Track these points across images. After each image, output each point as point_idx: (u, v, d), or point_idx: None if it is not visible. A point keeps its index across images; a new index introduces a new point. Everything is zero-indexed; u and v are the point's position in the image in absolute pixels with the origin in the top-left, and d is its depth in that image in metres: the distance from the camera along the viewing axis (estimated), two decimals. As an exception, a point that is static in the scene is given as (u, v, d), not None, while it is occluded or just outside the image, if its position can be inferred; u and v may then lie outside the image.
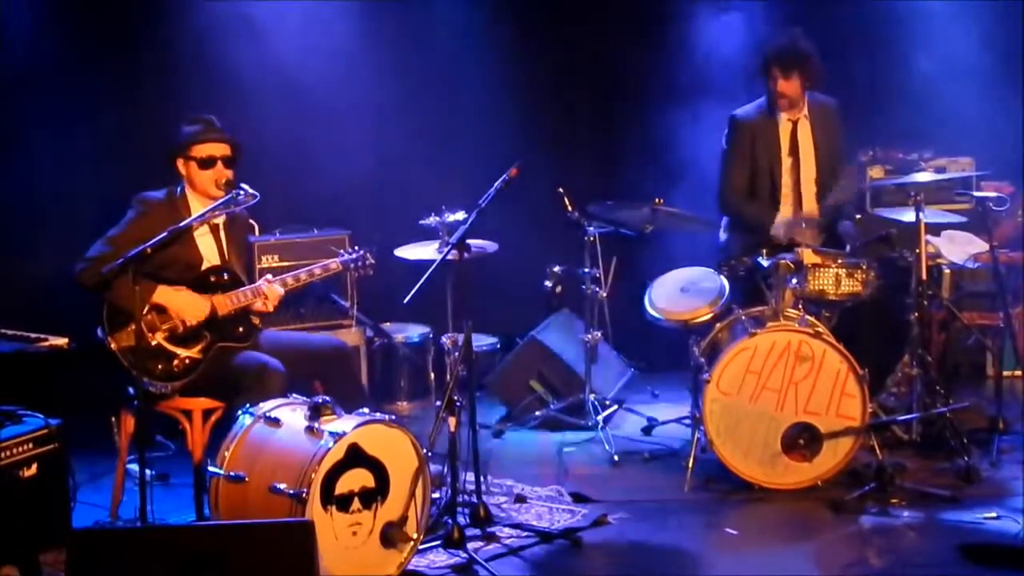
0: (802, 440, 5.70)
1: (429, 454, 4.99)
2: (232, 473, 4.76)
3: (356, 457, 4.70)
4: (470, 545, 5.08)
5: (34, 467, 4.91)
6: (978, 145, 7.38)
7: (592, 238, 6.64)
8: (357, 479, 4.70)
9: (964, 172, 7.20)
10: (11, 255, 6.83)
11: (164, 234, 5.08)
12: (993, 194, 6.48)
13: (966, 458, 5.83)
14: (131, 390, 5.21)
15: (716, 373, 5.71)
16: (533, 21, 7.91)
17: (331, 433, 4.67)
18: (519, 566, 5.06)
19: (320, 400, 4.84)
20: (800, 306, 5.91)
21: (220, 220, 5.53)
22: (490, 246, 6.39)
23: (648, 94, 7.88)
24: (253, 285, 5.46)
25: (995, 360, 7.05)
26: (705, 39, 7.84)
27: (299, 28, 7.39)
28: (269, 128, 7.14)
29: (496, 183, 5.35)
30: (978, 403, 6.59)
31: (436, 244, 6.29)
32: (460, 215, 6.17)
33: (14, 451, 4.85)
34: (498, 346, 7.36)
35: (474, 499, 5.32)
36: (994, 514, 5.37)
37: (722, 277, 6.36)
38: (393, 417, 4.95)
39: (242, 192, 5.35)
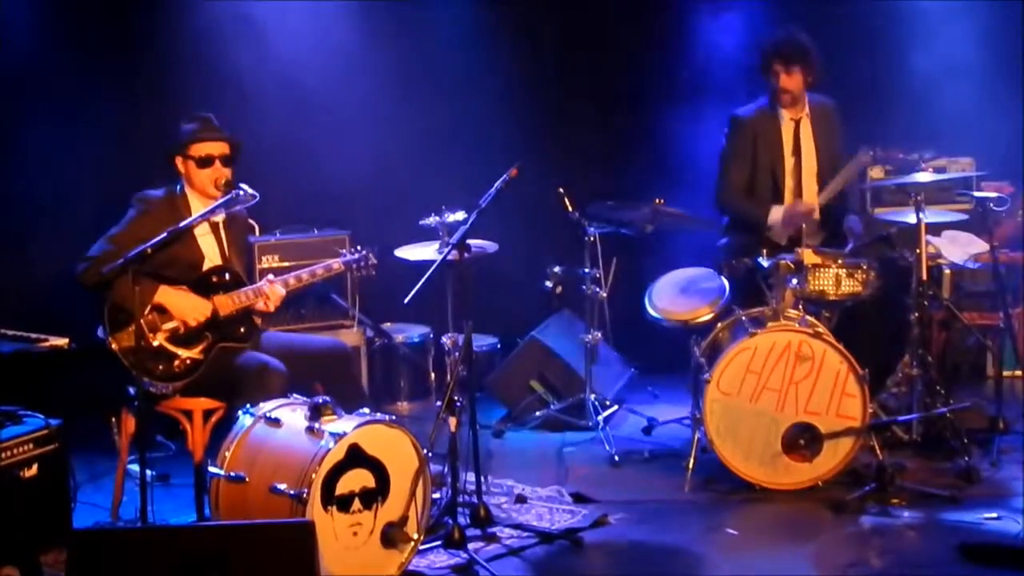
0: (802, 440, 5.70)
1: (429, 454, 4.98)
2: (232, 473, 4.76)
3: (356, 457, 4.70)
4: (470, 545, 5.08)
5: (34, 467, 4.90)
6: (978, 145, 7.38)
7: (592, 238, 6.64)
8: (357, 479, 4.70)
9: (964, 172, 7.19)
10: (11, 255, 6.83)
11: (164, 234, 5.08)
12: (993, 194, 6.47)
13: (966, 458, 5.83)
14: (131, 390, 5.21)
15: (716, 373, 5.71)
16: (533, 21, 7.91)
17: (331, 433, 4.67)
18: (519, 566, 5.06)
19: (320, 400, 4.84)
20: (800, 306, 5.91)
21: (220, 219, 5.53)
22: (490, 246, 6.39)
23: (648, 94, 7.88)
24: (255, 285, 5.46)
25: (995, 360, 7.05)
26: (705, 39, 7.84)
27: (299, 28, 7.39)
28: (269, 128, 7.13)
29: (496, 183, 5.35)
30: (978, 403, 6.58)
31: (436, 244, 6.29)
32: (460, 215, 6.16)
33: (14, 451, 4.84)
34: (498, 346, 7.36)
35: (474, 499, 5.32)
36: (994, 514, 5.37)
37: (722, 277, 6.36)
38: (393, 417, 4.95)
39: (242, 191, 5.34)
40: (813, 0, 7.41)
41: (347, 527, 4.68)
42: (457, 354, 6.25)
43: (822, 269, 5.86)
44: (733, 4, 7.81)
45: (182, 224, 5.24)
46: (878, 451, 5.66)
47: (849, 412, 5.67)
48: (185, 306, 5.31)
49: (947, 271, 6.92)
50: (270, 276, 5.59)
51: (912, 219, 6.01)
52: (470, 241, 5.46)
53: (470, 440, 5.25)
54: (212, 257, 5.49)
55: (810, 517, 5.49)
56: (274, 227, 6.94)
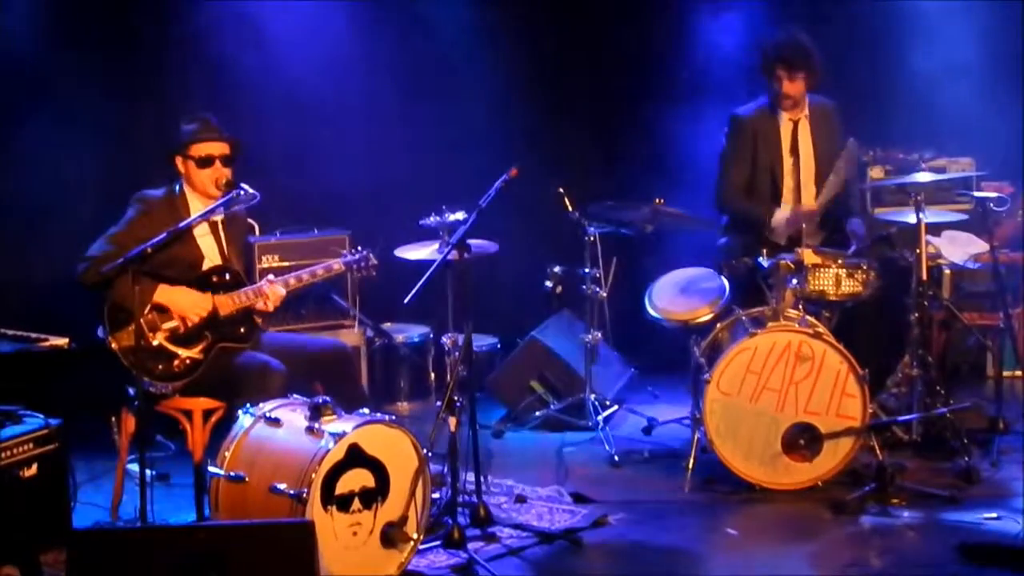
0: (802, 440, 5.69)
1: (429, 454, 4.99)
2: (232, 473, 4.76)
3: (356, 457, 4.70)
4: (470, 545, 5.08)
5: (34, 467, 4.91)
6: (978, 145, 7.38)
7: (592, 238, 6.64)
8: (357, 479, 4.70)
9: (964, 172, 7.20)
10: (11, 255, 6.83)
11: (164, 234, 5.09)
12: (993, 194, 6.48)
13: (966, 458, 5.83)
14: (131, 390, 5.20)
15: (716, 373, 5.71)
16: (533, 21, 7.91)
17: (331, 433, 4.67)
18: (519, 566, 5.06)
19: (320, 400, 4.84)
20: (800, 306, 5.91)
21: (219, 219, 5.53)
22: (490, 246, 6.39)
23: (648, 94, 7.88)
24: (254, 285, 5.46)
25: (995, 360, 7.05)
26: (705, 39, 7.84)
27: (299, 28, 7.38)
28: (269, 128, 7.14)
29: (496, 183, 5.35)
30: (978, 403, 6.58)
31: (436, 244, 6.28)
32: (460, 215, 6.16)
33: (14, 451, 4.84)
34: (498, 346, 7.36)
35: (474, 499, 5.32)
36: (994, 514, 5.37)
37: (722, 277, 6.36)
38: (393, 417, 4.95)
39: (242, 191, 5.35)
40: (813, 0, 7.42)
41: (347, 527, 4.68)
42: (457, 354, 6.25)
43: (822, 269, 5.86)
44: (733, 4, 7.81)
45: (182, 224, 5.24)
46: (878, 451, 5.66)
47: (849, 412, 5.67)
48: (185, 302, 5.30)
49: (947, 271, 6.92)
50: (270, 276, 5.58)
51: (912, 219, 6.02)
52: (470, 241, 5.46)
53: (470, 440, 5.25)
54: (212, 257, 5.49)
55: (810, 517, 5.49)
56: (274, 227, 6.94)
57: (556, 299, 7.02)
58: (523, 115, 7.76)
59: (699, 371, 5.92)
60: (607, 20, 7.91)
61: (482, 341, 7.22)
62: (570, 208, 6.58)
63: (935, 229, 6.71)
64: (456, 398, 5.13)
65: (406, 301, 5.41)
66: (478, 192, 5.40)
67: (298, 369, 5.39)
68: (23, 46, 6.82)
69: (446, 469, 5.20)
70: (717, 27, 7.82)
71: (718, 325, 6.09)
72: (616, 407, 6.97)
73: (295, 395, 5.08)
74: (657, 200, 6.27)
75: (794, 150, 6.50)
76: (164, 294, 5.28)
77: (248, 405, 4.96)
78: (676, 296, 6.42)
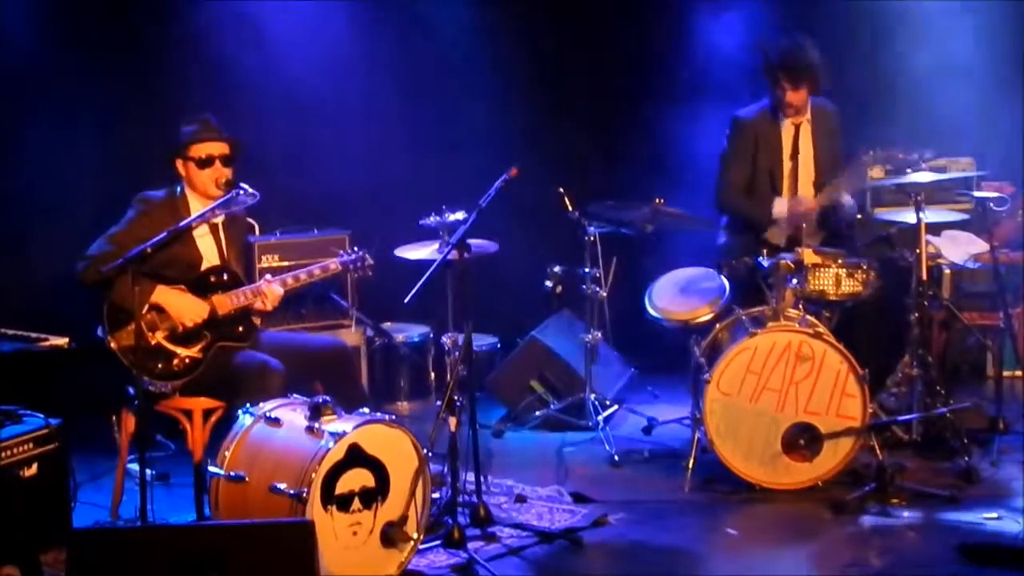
0: (802, 440, 5.70)
1: (429, 454, 4.99)
2: (232, 473, 4.76)
3: (356, 457, 4.70)
4: (470, 545, 5.07)
5: (34, 467, 4.91)
6: (978, 145, 7.38)
7: (592, 238, 6.64)
8: (357, 479, 4.70)
9: (964, 172, 7.20)
10: (11, 255, 6.83)
11: (164, 234, 5.10)
12: (993, 194, 6.48)
13: (966, 458, 5.83)
14: (131, 390, 5.21)
15: (716, 373, 5.71)
16: (533, 21, 7.91)
17: (331, 433, 4.67)
18: (519, 566, 5.06)
19: (320, 400, 4.84)
20: (800, 306, 5.91)
21: (219, 220, 5.53)
22: (490, 246, 6.39)
23: (648, 94, 7.88)
24: (253, 285, 5.46)
25: (995, 360, 7.04)
26: (705, 39, 7.84)
27: (299, 28, 7.39)
28: (269, 128, 7.14)
29: (496, 183, 5.35)
30: (978, 403, 6.59)
31: (436, 244, 6.28)
32: (460, 215, 6.16)
33: (14, 451, 4.84)
34: (498, 346, 7.36)
35: (474, 499, 5.32)
36: (994, 514, 5.38)
37: (722, 277, 6.36)
38: (393, 417, 4.95)
39: (242, 191, 5.35)
40: (813, 0, 7.42)
41: (347, 526, 4.68)
42: (457, 354, 6.25)
43: (822, 269, 5.86)
44: (733, 4, 7.80)
45: (182, 223, 5.25)
46: (878, 451, 5.66)
47: (849, 412, 5.67)
48: (182, 306, 5.31)
49: (947, 271, 6.92)
50: (268, 276, 5.59)
51: (912, 219, 6.02)
52: (470, 241, 5.46)
53: (470, 440, 5.25)
54: (210, 257, 5.50)
55: (810, 517, 5.49)
56: (274, 227, 6.94)
57: (556, 299, 7.02)
58: (523, 115, 7.76)
59: (699, 371, 5.92)
60: (607, 20, 7.91)
61: (482, 341, 7.22)
62: (570, 208, 6.58)
63: (935, 229, 6.70)
64: (456, 398, 5.13)
65: (406, 301, 5.41)
66: (478, 192, 5.40)
67: (298, 368, 5.39)
68: (23, 46, 6.81)
69: (446, 469, 5.20)
70: (717, 27, 7.82)
71: (718, 325, 6.09)
72: (616, 407, 6.97)
73: (295, 395, 5.09)
74: (657, 200, 6.27)
75: (794, 154, 6.50)
76: (162, 295, 5.28)
77: (248, 405, 4.97)
78: (676, 296, 6.42)
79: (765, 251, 6.08)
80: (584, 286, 6.71)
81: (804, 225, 6.13)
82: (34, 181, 6.86)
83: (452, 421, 5.08)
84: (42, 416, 5.01)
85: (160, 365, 5.26)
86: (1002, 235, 6.74)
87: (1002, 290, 6.26)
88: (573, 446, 6.55)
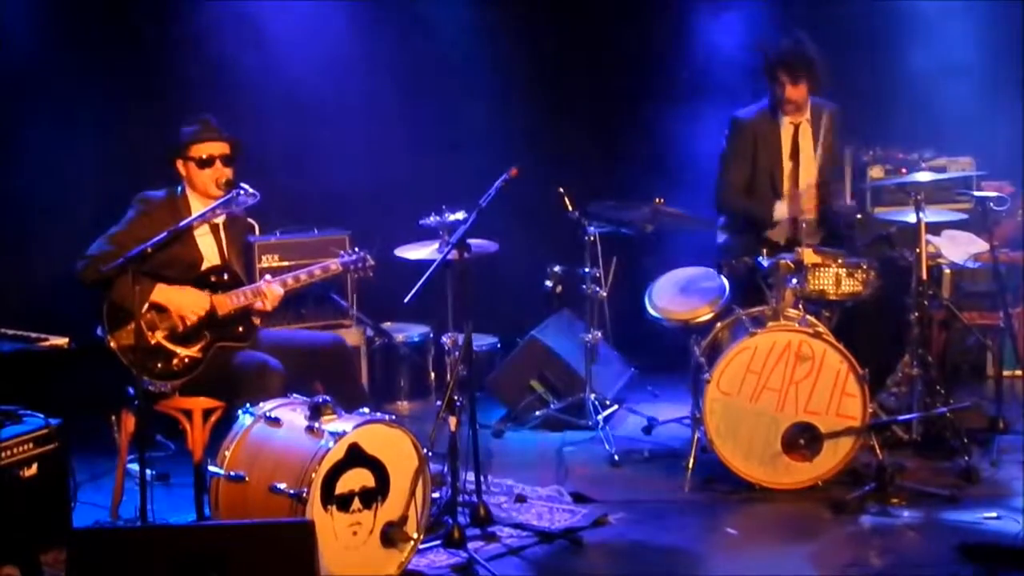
0: (802, 440, 5.69)
1: (429, 454, 4.99)
2: (232, 473, 4.76)
3: (356, 457, 4.70)
4: (470, 545, 5.07)
5: (34, 467, 4.91)
6: (978, 145, 7.38)
7: (592, 238, 6.64)
8: (357, 479, 4.70)
9: (964, 172, 7.20)
10: (11, 255, 6.83)
11: (164, 234, 5.10)
12: (993, 194, 6.47)
13: (966, 458, 5.83)
14: (131, 390, 5.21)
15: (716, 373, 5.71)
16: (533, 21, 7.91)
17: (331, 433, 4.67)
18: (519, 566, 5.06)
19: (320, 400, 4.84)
20: (800, 306, 5.91)
21: (220, 220, 5.53)
22: (490, 246, 6.39)
23: (648, 94, 7.88)
24: (253, 285, 5.46)
25: (995, 360, 7.04)
26: (705, 38, 7.85)
27: (299, 28, 7.39)
28: (269, 128, 7.14)
29: (496, 183, 5.35)
30: (978, 403, 6.59)
31: (436, 244, 6.29)
32: (460, 215, 6.16)
33: (14, 451, 4.84)
34: (498, 346, 7.36)
35: (474, 499, 5.32)
36: (994, 514, 5.37)
37: (722, 277, 6.37)
38: (393, 417, 4.95)
39: (242, 191, 5.35)
40: (813, 0, 7.42)
41: (347, 526, 4.68)
42: (457, 354, 6.25)
43: (822, 269, 5.85)
44: (733, 4, 7.81)
45: (182, 223, 5.25)
46: (878, 451, 5.66)
47: (849, 412, 5.67)
48: (182, 301, 5.31)
49: (947, 271, 6.92)
50: (267, 276, 5.59)
51: (912, 219, 6.02)
52: (470, 241, 5.46)
53: (470, 440, 5.25)
54: (211, 257, 5.50)
55: (810, 517, 5.49)
56: (274, 227, 6.94)
57: (556, 299, 7.02)
58: (523, 115, 7.76)
59: (699, 371, 5.92)
60: (607, 20, 7.91)
61: (482, 341, 7.22)
62: (570, 208, 6.58)
63: (935, 229, 6.71)
64: (456, 398, 5.13)
65: (406, 301, 5.42)
66: (478, 192, 5.40)
67: (298, 368, 5.39)
68: (23, 46, 6.81)
69: (446, 469, 5.20)
70: (717, 27, 7.82)
71: (718, 325, 6.09)
72: (616, 407, 6.97)
73: (295, 394, 5.09)
74: (657, 200, 6.27)
75: (794, 154, 6.50)
76: (162, 293, 5.28)
77: (248, 404, 4.97)
78: (676, 296, 6.42)
79: (765, 251, 6.08)
80: (584, 286, 6.70)
81: (804, 225, 6.13)
82: (34, 181, 6.87)
83: (452, 421, 5.08)
84: (42, 416, 5.01)
85: (160, 365, 5.26)
86: (1002, 235, 6.74)
87: (1002, 290, 6.26)
88: (573, 446, 6.55)
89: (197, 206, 5.44)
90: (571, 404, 6.82)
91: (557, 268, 6.88)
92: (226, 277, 5.45)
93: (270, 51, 7.27)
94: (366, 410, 4.92)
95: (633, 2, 7.90)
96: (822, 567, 5.07)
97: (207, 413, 5.35)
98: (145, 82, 7.15)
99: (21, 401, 5.10)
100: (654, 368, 7.49)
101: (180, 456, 5.85)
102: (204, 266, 5.46)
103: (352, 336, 6.92)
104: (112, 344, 5.20)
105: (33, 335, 5.01)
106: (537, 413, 6.86)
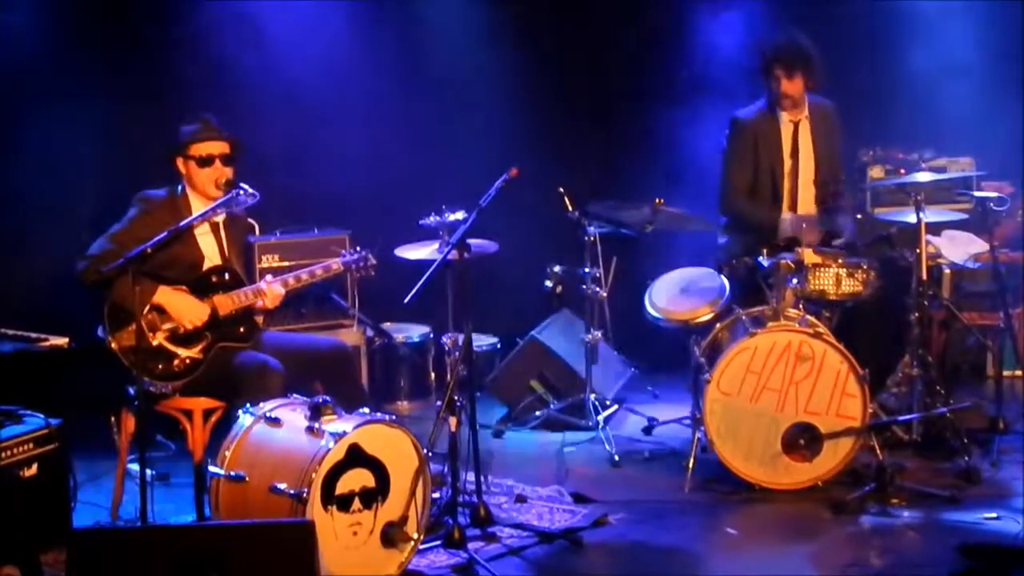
0: (802, 440, 5.70)
1: (429, 454, 4.99)
2: (232, 473, 4.76)
3: (356, 457, 4.70)
4: (470, 545, 5.07)
5: (34, 467, 4.91)
6: (978, 145, 7.38)
7: (592, 238, 6.64)
8: (357, 479, 4.70)
9: (964, 172, 7.20)
10: (11, 255, 6.83)
11: (165, 234, 5.09)
12: (993, 194, 6.48)
13: (966, 458, 5.83)
14: (131, 390, 5.20)
15: (716, 373, 5.71)
16: (533, 21, 7.91)
17: (331, 433, 4.67)
18: (519, 566, 5.06)
19: (320, 400, 4.84)
20: (800, 306, 5.91)
21: (220, 219, 5.53)
22: (490, 246, 6.38)
23: (648, 93, 7.88)
24: (254, 285, 5.46)
25: (995, 360, 7.05)
26: (705, 38, 7.85)
27: (299, 28, 7.39)
28: (269, 128, 7.14)
29: (496, 183, 5.35)
30: (978, 403, 6.59)
31: (436, 244, 6.28)
32: (460, 215, 6.16)
33: (14, 451, 4.85)
34: (498, 346, 7.36)
35: (474, 499, 5.32)
36: (994, 514, 5.37)
37: (722, 277, 6.37)
38: (393, 417, 4.95)
39: (242, 191, 5.35)
40: (813, 0, 7.42)
41: (347, 527, 4.68)
42: (457, 354, 6.25)
43: (822, 269, 5.86)
44: (733, 4, 7.81)
45: (183, 223, 5.25)
46: (878, 451, 5.65)
47: (849, 412, 5.67)
48: (183, 308, 5.31)
49: (947, 271, 6.92)
50: (268, 276, 5.59)
51: (912, 219, 6.02)
52: (470, 241, 5.46)
53: (470, 440, 5.25)
54: (212, 257, 5.49)
55: (810, 517, 5.49)
56: (274, 227, 6.94)
57: (556, 299, 7.03)
58: (523, 115, 7.76)
59: (699, 371, 5.92)
60: (607, 20, 7.91)
61: (482, 341, 7.22)
62: (570, 208, 6.58)
63: (935, 229, 6.72)
64: (456, 398, 5.13)
65: (406, 301, 5.41)
66: (478, 192, 5.40)
67: (298, 368, 5.39)
68: (24, 46, 6.82)
69: (446, 469, 5.20)
70: (717, 27, 7.83)
71: (718, 325, 6.09)
72: (616, 407, 6.98)
73: (295, 395, 5.08)
74: (657, 200, 6.26)
75: (794, 152, 6.50)
76: (164, 296, 5.28)
77: (248, 405, 4.96)
78: (676, 296, 6.42)
79: (765, 251, 6.07)
80: (584, 286, 6.70)
81: (804, 225, 6.13)
82: (34, 181, 6.87)
83: (452, 421, 5.08)
84: (42, 416, 5.01)
85: (161, 366, 5.26)
86: (1002, 235, 6.75)
87: (1002, 290, 6.26)
88: (573, 446, 6.55)
89: (197, 205, 5.44)
90: (571, 404, 6.82)
91: (557, 268, 6.88)
92: (227, 277, 5.45)
93: (270, 51, 7.27)
94: (366, 410, 4.92)
95: (633, 2, 7.90)
96: (822, 567, 5.07)
97: (207, 413, 5.35)
98: (145, 82, 7.15)
99: (21, 401, 5.10)
100: (654, 368, 7.49)
101: (180, 456, 5.85)
102: (206, 266, 5.46)
103: (352, 336, 6.92)
104: (113, 345, 5.20)
105: (33, 335, 5.02)
106: (537, 413, 6.87)
